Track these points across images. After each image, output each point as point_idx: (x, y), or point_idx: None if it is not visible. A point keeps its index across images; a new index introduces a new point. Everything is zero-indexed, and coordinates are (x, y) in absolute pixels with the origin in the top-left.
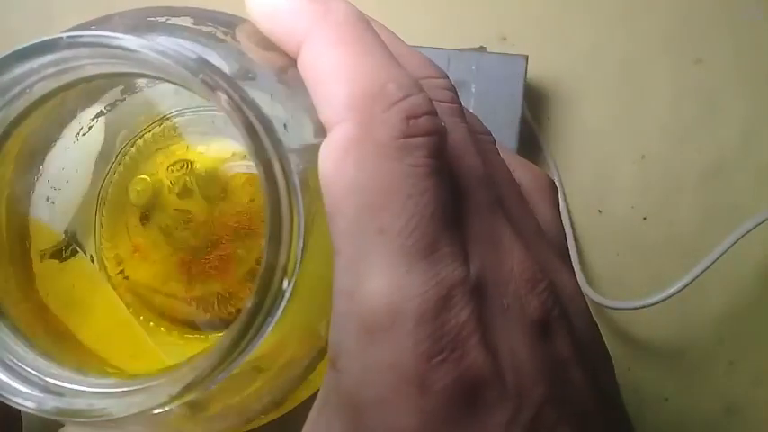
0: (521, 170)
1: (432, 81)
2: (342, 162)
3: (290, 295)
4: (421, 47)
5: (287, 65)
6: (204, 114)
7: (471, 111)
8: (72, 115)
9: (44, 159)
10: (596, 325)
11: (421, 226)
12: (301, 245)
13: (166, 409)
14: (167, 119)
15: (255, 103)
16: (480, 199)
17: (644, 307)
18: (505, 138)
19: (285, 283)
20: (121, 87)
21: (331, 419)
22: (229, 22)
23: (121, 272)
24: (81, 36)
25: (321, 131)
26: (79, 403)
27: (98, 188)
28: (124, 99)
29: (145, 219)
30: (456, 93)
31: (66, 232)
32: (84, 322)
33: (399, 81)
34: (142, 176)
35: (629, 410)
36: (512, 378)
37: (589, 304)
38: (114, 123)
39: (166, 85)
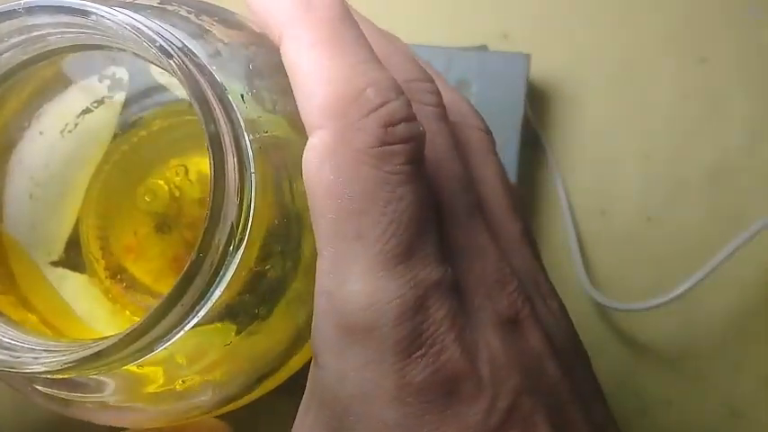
0: (463, 121)
1: (415, 84)
2: (321, 168)
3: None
4: (421, 45)
5: (250, 42)
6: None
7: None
8: (46, 101)
9: (17, 149)
10: (572, 324)
11: (398, 232)
12: (252, 208)
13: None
14: (161, 119)
15: (208, 69)
16: (457, 203)
17: (648, 309)
18: (508, 138)
19: (231, 245)
20: (108, 84)
21: (317, 414)
22: (195, 5)
23: (114, 270)
24: (39, 2)
25: (282, 105)
26: (26, 358)
27: (86, 186)
28: (112, 97)
29: (150, 221)
30: (440, 95)
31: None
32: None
33: (378, 85)
34: (151, 180)
35: (633, 413)
36: (487, 370)
37: (592, 306)
38: (103, 121)
39: (157, 84)
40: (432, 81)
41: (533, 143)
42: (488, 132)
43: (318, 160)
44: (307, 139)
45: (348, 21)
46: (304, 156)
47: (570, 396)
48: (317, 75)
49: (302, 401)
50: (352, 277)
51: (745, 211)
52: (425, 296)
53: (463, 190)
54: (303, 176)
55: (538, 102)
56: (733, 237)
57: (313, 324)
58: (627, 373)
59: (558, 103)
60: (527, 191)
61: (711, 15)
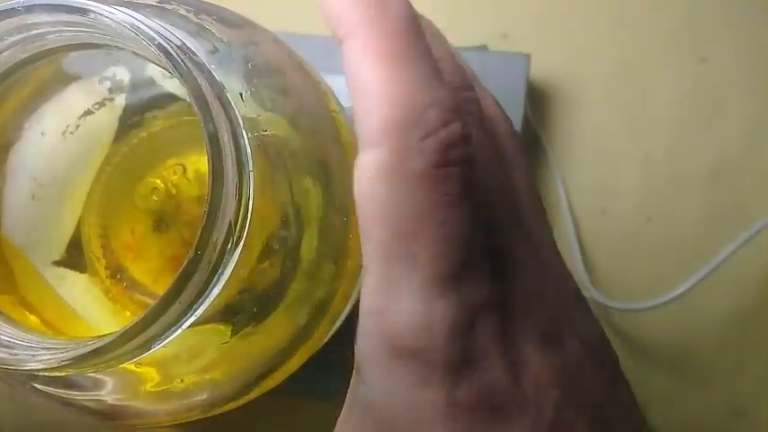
0: (502, 128)
1: (461, 93)
2: (375, 186)
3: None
4: None
5: (249, 41)
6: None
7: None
8: (45, 101)
9: (18, 150)
10: (602, 328)
11: (450, 253)
12: (251, 206)
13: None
14: (160, 120)
15: (207, 68)
16: (499, 216)
17: (649, 309)
18: None
19: (230, 243)
20: (108, 85)
21: (358, 427)
22: (195, 4)
23: (114, 270)
24: (38, 0)
25: (281, 104)
26: (24, 355)
27: (88, 186)
28: (113, 99)
29: (147, 219)
30: (479, 103)
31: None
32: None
33: (440, 106)
34: (149, 179)
35: None
36: (531, 386)
37: (593, 305)
38: (104, 123)
39: (157, 86)
40: (473, 88)
41: (533, 143)
42: (517, 137)
43: (372, 178)
44: (305, 137)
45: (416, 32)
46: (356, 171)
47: (608, 401)
48: (380, 90)
49: (342, 414)
50: (403, 297)
51: (745, 211)
52: (474, 315)
53: (504, 201)
54: (354, 193)
55: (538, 101)
56: (733, 236)
57: (358, 341)
58: (627, 372)
59: (557, 103)
60: None
61: (711, 15)
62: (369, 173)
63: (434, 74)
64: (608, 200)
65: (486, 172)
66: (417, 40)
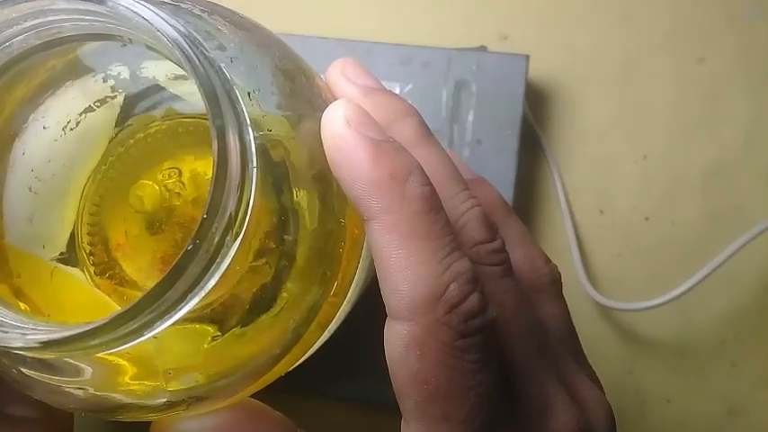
0: (527, 267)
1: (483, 247)
2: (406, 355)
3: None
4: (423, 46)
5: (259, 43)
6: (196, 120)
7: (473, 112)
8: (52, 94)
9: (22, 140)
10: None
11: (480, 413)
12: (252, 203)
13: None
14: (158, 121)
15: (218, 64)
16: (526, 358)
17: (647, 309)
18: (507, 138)
19: (228, 235)
20: (112, 83)
21: None
22: (208, 5)
23: (105, 267)
24: None
25: (286, 106)
26: (14, 334)
27: (84, 184)
28: (114, 97)
29: (141, 221)
30: (504, 251)
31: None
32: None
33: (459, 279)
34: (144, 181)
35: (632, 411)
36: None
37: (592, 305)
38: (103, 121)
39: (157, 86)
40: (495, 238)
41: (532, 143)
42: (555, 273)
43: (404, 348)
44: (307, 139)
45: (437, 208)
46: (387, 340)
47: None
48: (406, 270)
49: None
50: None
51: (742, 211)
52: None
53: (531, 341)
54: (387, 359)
55: (537, 102)
56: (730, 236)
57: None
58: (626, 371)
59: (556, 103)
60: (526, 191)
61: (709, 16)
62: (401, 344)
63: (454, 246)
64: (606, 200)
65: (512, 316)
66: (436, 217)
